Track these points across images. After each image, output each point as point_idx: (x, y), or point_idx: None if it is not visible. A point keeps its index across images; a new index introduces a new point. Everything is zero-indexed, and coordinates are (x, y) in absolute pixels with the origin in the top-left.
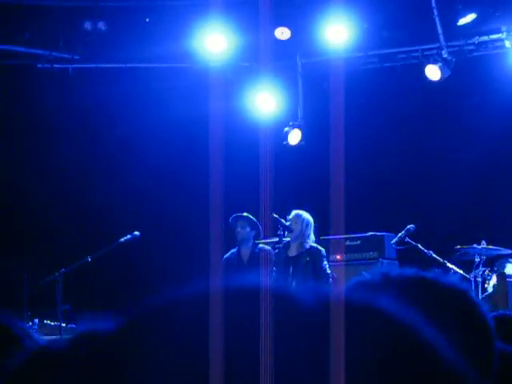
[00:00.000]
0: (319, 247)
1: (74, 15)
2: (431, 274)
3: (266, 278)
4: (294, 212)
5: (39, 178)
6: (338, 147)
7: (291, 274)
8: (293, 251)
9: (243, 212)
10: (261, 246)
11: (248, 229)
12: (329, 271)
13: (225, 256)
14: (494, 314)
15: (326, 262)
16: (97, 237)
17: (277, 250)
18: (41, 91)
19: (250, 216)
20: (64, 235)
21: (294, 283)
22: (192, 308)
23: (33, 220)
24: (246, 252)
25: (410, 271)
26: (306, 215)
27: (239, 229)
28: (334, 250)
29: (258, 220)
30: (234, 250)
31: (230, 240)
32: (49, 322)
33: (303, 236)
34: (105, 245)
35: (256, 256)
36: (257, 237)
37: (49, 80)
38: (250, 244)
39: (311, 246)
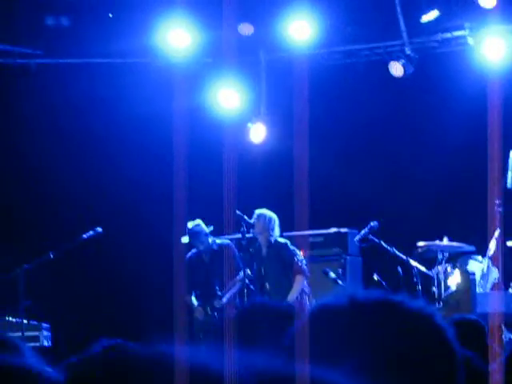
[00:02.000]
0: (282, 240)
1: (36, 10)
2: (397, 297)
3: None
4: (256, 212)
5: (1, 174)
6: (302, 143)
7: (263, 276)
8: (263, 250)
9: (209, 209)
10: (219, 241)
11: (203, 237)
12: (300, 258)
13: (187, 255)
14: (454, 317)
15: (295, 252)
16: (60, 233)
17: (251, 250)
18: (2, 86)
19: (194, 227)
20: (27, 231)
21: (266, 285)
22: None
23: None
24: (206, 252)
25: (375, 294)
26: (268, 212)
27: (197, 244)
28: (297, 247)
29: (220, 215)
30: (194, 250)
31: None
32: (10, 318)
33: (267, 230)
34: (68, 241)
35: (216, 253)
36: (209, 233)
37: (11, 75)
38: (208, 243)
39: (275, 241)
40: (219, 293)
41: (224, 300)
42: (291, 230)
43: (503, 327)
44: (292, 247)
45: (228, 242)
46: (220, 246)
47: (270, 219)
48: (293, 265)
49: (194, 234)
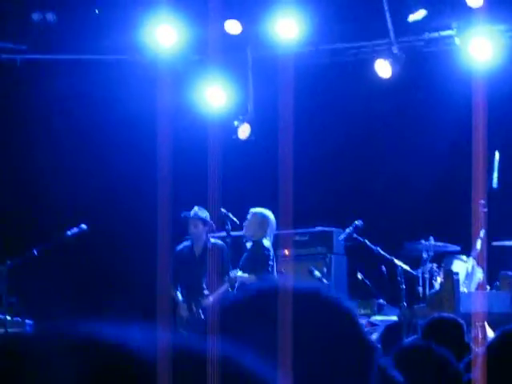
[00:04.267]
0: (265, 243)
1: (22, 6)
2: (311, 284)
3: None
4: (251, 210)
5: None
6: (287, 142)
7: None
8: (248, 245)
9: (193, 206)
10: (214, 241)
11: (201, 227)
12: (270, 263)
13: (178, 248)
14: (433, 316)
15: (269, 258)
16: (44, 229)
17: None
18: None
19: (199, 213)
20: (10, 228)
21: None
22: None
23: None
24: (198, 247)
25: (273, 283)
26: (262, 212)
27: (192, 229)
28: (282, 245)
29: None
30: (187, 244)
31: (180, 233)
32: None
33: (258, 234)
34: (52, 237)
35: (208, 251)
36: (210, 231)
37: None
38: (204, 239)
39: (256, 240)
40: (206, 291)
41: (210, 299)
42: (276, 229)
43: (487, 327)
44: (269, 253)
45: (222, 243)
46: (214, 245)
47: (263, 221)
48: (259, 266)
49: (204, 220)
